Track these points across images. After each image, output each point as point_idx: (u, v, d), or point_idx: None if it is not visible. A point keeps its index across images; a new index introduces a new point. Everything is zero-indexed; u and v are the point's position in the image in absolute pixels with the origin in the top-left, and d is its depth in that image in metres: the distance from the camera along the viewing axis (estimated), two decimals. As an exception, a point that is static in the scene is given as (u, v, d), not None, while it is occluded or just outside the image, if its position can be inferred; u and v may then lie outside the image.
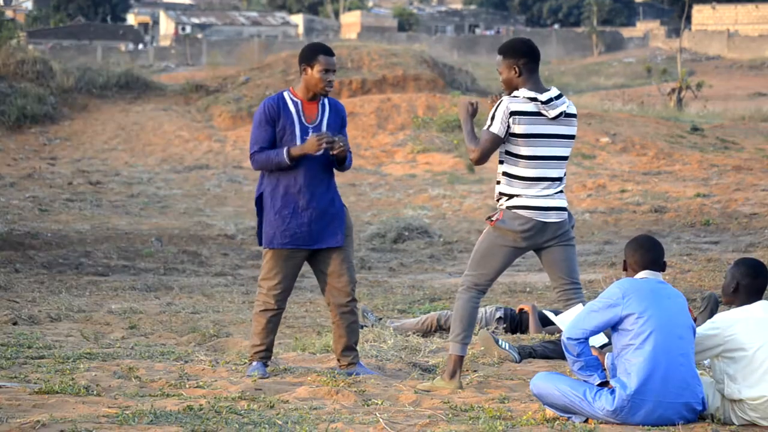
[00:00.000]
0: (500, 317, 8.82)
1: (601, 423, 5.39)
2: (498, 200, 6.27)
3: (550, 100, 6.13)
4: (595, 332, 5.48)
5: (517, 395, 6.22)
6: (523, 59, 6.16)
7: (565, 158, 6.23)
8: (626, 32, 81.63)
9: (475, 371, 6.93)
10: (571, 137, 6.22)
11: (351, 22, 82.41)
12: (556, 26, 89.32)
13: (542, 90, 6.17)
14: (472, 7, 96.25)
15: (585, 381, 5.48)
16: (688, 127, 27.88)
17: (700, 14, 76.78)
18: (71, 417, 5.25)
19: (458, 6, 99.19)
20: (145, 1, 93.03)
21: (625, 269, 5.65)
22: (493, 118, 6.12)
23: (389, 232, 16.10)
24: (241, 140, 27.56)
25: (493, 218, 6.23)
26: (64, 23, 76.71)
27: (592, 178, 22.29)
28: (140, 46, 71.21)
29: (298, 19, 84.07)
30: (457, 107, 6.53)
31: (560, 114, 6.14)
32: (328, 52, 6.57)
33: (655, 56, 68.01)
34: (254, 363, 6.77)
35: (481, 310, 8.96)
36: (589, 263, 13.61)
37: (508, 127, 6.09)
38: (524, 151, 6.12)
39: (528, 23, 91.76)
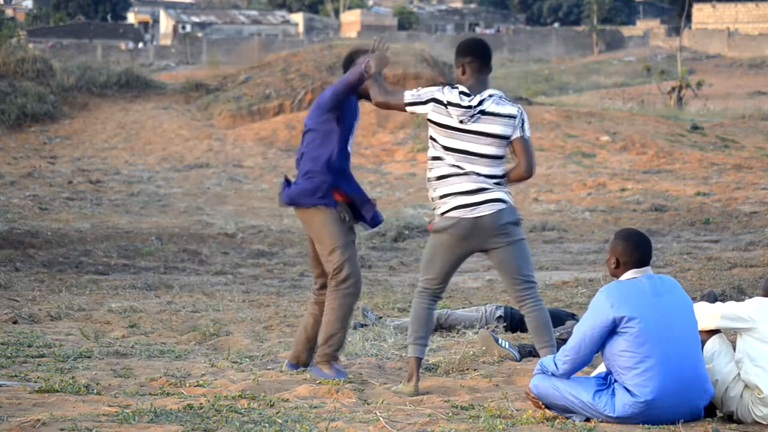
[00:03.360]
0: (500, 316, 8.81)
1: (601, 422, 5.38)
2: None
3: (466, 105, 6.03)
4: (594, 352, 5.46)
5: (517, 394, 6.22)
6: (467, 58, 6.14)
7: (487, 156, 6.07)
8: (626, 31, 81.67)
9: (475, 370, 6.92)
10: (491, 135, 6.05)
11: (351, 20, 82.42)
12: (556, 25, 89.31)
13: (476, 92, 6.06)
14: (473, 5, 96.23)
15: (583, 380, 5.49)
16: (688, 126, 27.87)
17: (701, 13, 76.80)
18: (71, 416, 5.25)
19: (458, 4, 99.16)
20: (145, 0, 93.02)
21: (614, 265, 5.55)
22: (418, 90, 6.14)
23: (389, 230, 16.09)
24: (241, 139, 27.49)
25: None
26: (64, 22, 76.71)
27: (592, 176, 22.29)
28: (140, 45, 71.25)
29: (298, 17, 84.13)
30: (372, 60, 6.31)
31: (468, 117, 6.02)
32: None
33: (656, 55, 67.99)
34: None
35: (481, 309, 8.96)
36: (589, 262, 13.61)
37: (421, 105, 6.07)
38: (441, 141, 6.07)
39: (528, 22, 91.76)
